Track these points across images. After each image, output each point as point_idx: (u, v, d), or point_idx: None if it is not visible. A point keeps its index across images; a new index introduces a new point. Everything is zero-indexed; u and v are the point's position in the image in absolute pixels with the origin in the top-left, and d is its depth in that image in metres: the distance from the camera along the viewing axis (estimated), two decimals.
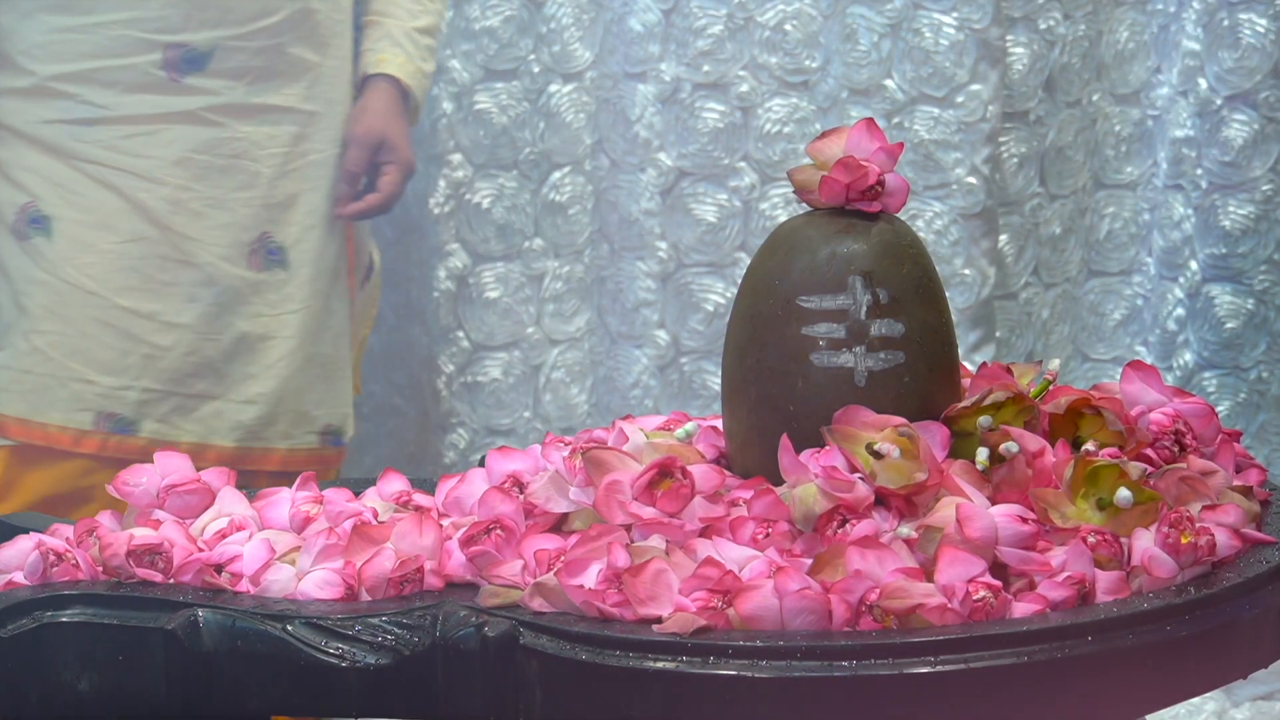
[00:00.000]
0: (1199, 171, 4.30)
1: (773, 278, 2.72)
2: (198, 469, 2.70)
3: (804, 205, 2.64)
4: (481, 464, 2.79)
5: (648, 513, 2.55)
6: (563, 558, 2.50)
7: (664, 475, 2.57)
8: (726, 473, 2.71)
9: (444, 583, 2.59)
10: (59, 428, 2.93)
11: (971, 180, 4.19)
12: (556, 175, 4.29)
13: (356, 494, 2.80)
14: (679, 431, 2.65)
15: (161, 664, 2.58)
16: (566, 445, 2.70)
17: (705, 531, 2.57)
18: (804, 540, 2.54)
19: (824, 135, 2.72)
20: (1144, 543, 2.56)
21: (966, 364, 4.14)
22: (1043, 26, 4.25)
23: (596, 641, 2.45)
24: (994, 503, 2.53)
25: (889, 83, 4.19)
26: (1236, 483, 2.77)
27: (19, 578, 2.67)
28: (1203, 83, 4.26)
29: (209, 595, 2.60)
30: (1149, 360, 4.41)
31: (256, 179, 3.28)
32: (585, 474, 2.61)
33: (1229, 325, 4.32)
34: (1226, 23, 4.21)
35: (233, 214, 3.30)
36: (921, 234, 3.96)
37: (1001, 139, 4.23)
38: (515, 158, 4.26)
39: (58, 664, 2.62)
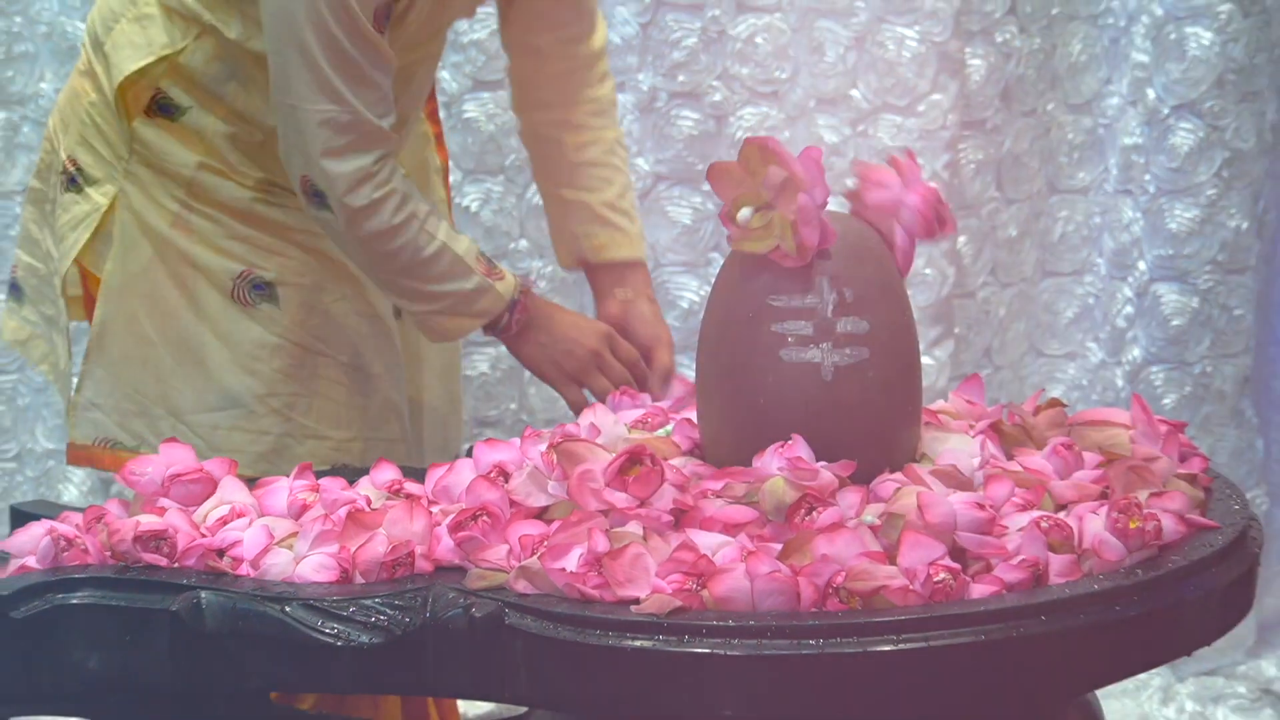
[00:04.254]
0: (1147, 177, 4.30)
1: (745, 279, 2.72)
2: None
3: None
4: (469, 455, 2.80)
5: (619, 498, 2.55)
6: (546, 543, 2.51)
7: (633, 462, 2.58)
8: (700, 461, 2.72)
9: (434, 566, 2.59)
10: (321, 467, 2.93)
11: (932, 184, 4.19)
12: None
13: (351, 482, 2.79)
14: (660, 430, 2.65)
15: (166, 644, 2.57)
16: (544, 439, 2.72)
17: (680, 519, 2.58)
18: (773, 527, 2.54)
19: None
20: (1094, 527, 2.57)
21: (928, 359, 4.15)
22: (999, 40, 4.25)
23: (578, 622, 2.45)
24: None
25: (854, 92, 4.20)
26: (1181, 471, 2.77)
27: (32, 562, 2.67)
28: (1151, 93, 4.26)
29: (211, 578, 2.60)
30: (1096, 357, 4.41)
31: None
32: (560, 466, 2.62)
33: (1175, 322, 4.32)
34: (1174, 36, 4.22)
35: None
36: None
37: (960, 146, 4.23)
38: (501, 163, 4.26)
39: (68, 644, 2.61)
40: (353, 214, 2.96)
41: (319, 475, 2.83)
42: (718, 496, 2.59)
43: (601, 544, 2.49)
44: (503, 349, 4.27)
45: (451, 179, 4.01)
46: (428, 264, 3.01)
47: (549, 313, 3.08)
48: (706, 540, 2.50)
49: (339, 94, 2.93)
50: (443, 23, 3.18)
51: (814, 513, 2.53)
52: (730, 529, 2.53)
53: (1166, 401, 4.30)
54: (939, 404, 2.92)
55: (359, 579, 2.58)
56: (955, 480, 2.62)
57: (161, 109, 3.11)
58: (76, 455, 3.25)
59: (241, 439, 3.15)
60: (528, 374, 4.28)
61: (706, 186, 4.26)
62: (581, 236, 3.37)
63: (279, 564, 2.61)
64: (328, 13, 2.89)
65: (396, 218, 2.98)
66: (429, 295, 3.04)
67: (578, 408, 3.01)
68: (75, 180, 3.18)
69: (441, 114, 3.87)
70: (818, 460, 2.60)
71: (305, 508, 2.72)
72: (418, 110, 3.37)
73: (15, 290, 3.32)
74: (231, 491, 2.77)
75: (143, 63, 3.08)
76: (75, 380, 3.21)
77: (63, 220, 3.20)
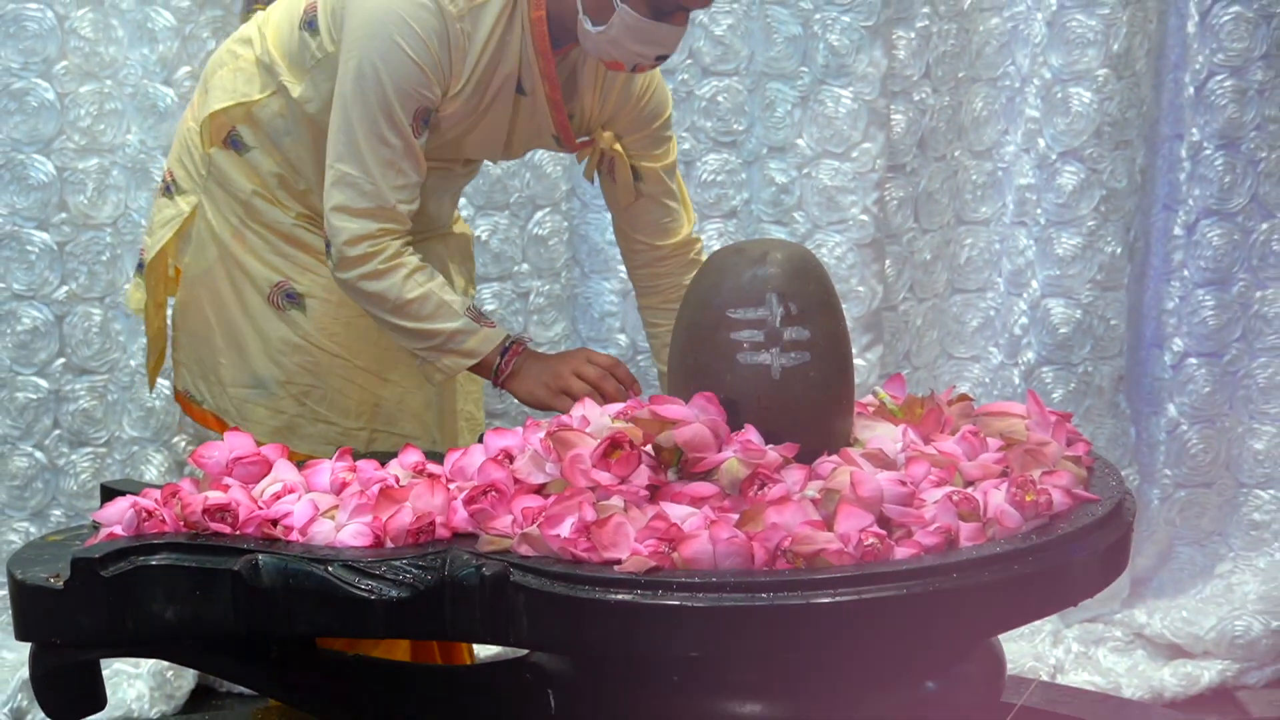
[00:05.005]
0: (1038, 211, 4.29)
1: (708, 295, 2.71)
2: None
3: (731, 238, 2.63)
4: (480, 441, 2.79)
5: (604, 477, 2.55)
6: (544, 514, 2.51)
7: (615, 447, 2.57)
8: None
9: (451, 533, 2.59)
10: (305, 457, 2.93)
11: (864, 218, 4.18)
12: (539, 214, 4.27)
13: (382, 464, 2.79)
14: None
15: (229, 597, 2.56)
16: (542, 428, 2.71)
17: (654, 494, 2.57)
18: (731, 500, 2.54)
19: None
20: (996, 500, 2.57)
21: (859, 361, 4.13)
22: (916, 98, 4.24)
23: (570, 579, 2.45)
24: None
25: (800, 141, 4.18)
26: (1068, 454, 2.77)
27: (118, 530, 2.66)
28: (1041, 142, 4.25)
29: (267, 544, 2.59)
30: (997, 359, 4.40)
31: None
32: (555, 451, 2.61)
33: (1062, 330, 4.31)
34: (1060, 95, 4.20)
35: None
36: (824, 259, 3.95)
37: (886, 185, 4.21)
38: (507, 200, 4.24)
39: (148, 598, 2.60)
40: (345, 260, 2.98)
41: (356, 459, 2.82)
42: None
43: (590, 514, 2.49)
44: None
45: (465, 214, 3.99)
46: (413, 304, 3.01)
47: (539, 357, 3.07)
48: (676, 511, 2.50)
49: (365, 165, 2.95)
50: (463, 152, 3.19)
51: (764, 488, 2.53)
52: (696, 502, 2.52)
53: (1055, 396, 4.29)
54: (868, 397, 2.91)
55: (389, 544, 2.57)
56: (882, 461, 2.62)
57: (233, 143, 3.17)
58: (178, 397, 3.35)
59: (263, 414, 3.20)
60: None
61: None
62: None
63: (323, 531, 2.61)
64: (375, 100, 2.93)
65: (383, 265, 2.99)
66: (420, 333, 3.03)
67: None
68: (170, 189, 3.26)
69: None
70: (767, 445, 2.59)
71: (345, 485, 2.71)
72: (448, 211, 3.39)
73: (141, 268, 3.36)
74: (284, 471, 2.77)
75: (226, 104, 3.15)
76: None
77: (156, 218, 3.27)
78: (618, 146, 3.23)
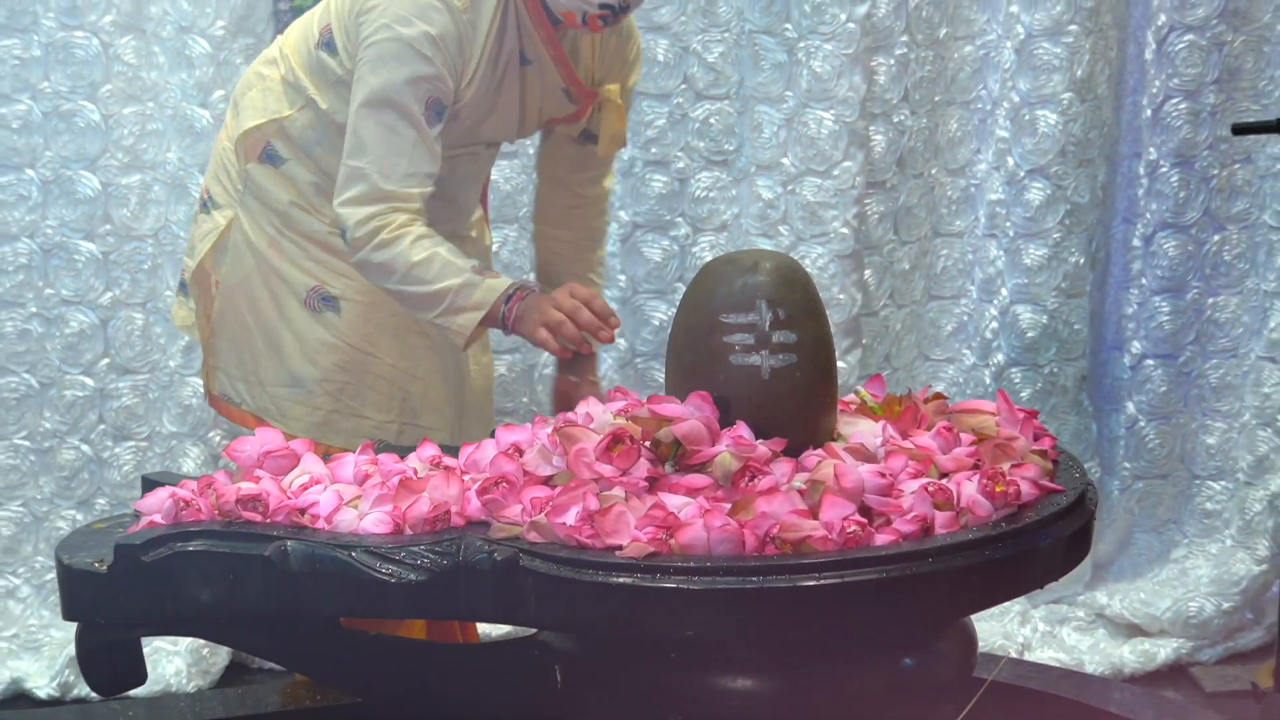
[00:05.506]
0: (1008, 224, 4.29)
1: (702, 301, 2.71)
2: None
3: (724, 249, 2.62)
4: (492, 435, 2.78)
5: (606, 469, 2.54)
6: (551, 503, 2.50)
7: (617, 442, 2.57)
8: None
9: (465, 521, 2.59)
10: (340, 449, 2.92)
11: (845, 231, 4.18)
12: None
13: (402, 457, 2.78)
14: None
15: (260, 580, 2.56)
16: (549, 424, 2.70)
17: (653, 485, 2.56)
18: (724, 490, 2.53)
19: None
20: (969, 490, 2.56)
21: (842, 363, 4.13)
22: (895, 120, 4.23)
23: (575, 563, 2.44)
24: None
25: (785, 160, 4.18)
26: (1035, 448, 2.77)
27: (158, 518, 2.66)
28: (1010, 160, 4.25)
29: (295, 531, 2.59)
30: (970, 361, 4.39)
31: None
32: (561, 445, 2.60)
33: (1029, 334, 4.31)
34: (1028, 117, 4.20)
35: None
36: (809, 269, 3.94)
37: (866, 201, 4.21)
38: (516, 214, 4.23)
39: (186, 581, 2.60)
40: (356, 241, 2.97)
41: (379, 451, 2.82)
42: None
43: (593, 504, 2.49)
44: (517, 356, 4.27)
45: None
46: (419, 266, 2.96)
47: (538, 297, 3.00)
48: (673, 501, 2.49)
49: (374, 156, 2.96)
50: (481, 135, 3.18)
51: (755, 479, 2.53)
52: (691, 492, 2.52)
53: (1023, 395, 4.28)
54: (850, 396, 2.91)
55: (408, 531, 2.57)
56: (863, 455, 2.62)
57: (268, 157, 3.16)
58: (213, 401, 3.33)
59: (301, 410, 3.19)
60: (535, 375, 4.27)
61: (672, 232, 4.26)
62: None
63: (347, 519, 2.61)
64: (387, 95, 2.94)
65: (389, 234, 2.96)
66: (431, 296, 2.98)
67: (551, 348, 2.95)
68: (207, 205, 3.25)
69: None
70: (757, 439, 2.59)
71: (367, 476, 2.71)
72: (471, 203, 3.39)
73: (184, 288, 3.37)
74: (310, 464, 2.77)
75: (260, 121, 3.15)
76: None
77: (195, 232, 3.27)
78: (618, 100, 3.24)
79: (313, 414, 3.19)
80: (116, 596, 2.60)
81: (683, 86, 4.22)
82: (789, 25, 4.14)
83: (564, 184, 3.40)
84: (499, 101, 3.09)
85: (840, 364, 3.98)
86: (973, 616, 2.86)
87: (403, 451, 2.85)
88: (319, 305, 3.16)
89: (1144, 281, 4.36)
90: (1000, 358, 4.34)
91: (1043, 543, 2.59)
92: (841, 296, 4.19)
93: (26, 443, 4.23)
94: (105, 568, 2.59)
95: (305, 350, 3.17)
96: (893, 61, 4.19)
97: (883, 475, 2.55)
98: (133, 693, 2.83)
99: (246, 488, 2.67)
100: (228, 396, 3.25)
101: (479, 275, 2.98)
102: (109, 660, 2.71)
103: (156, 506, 2.67)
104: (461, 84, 3.00)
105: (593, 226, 3.45)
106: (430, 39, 2.93)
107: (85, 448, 4.24)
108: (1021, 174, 4.24)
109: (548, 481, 2.62)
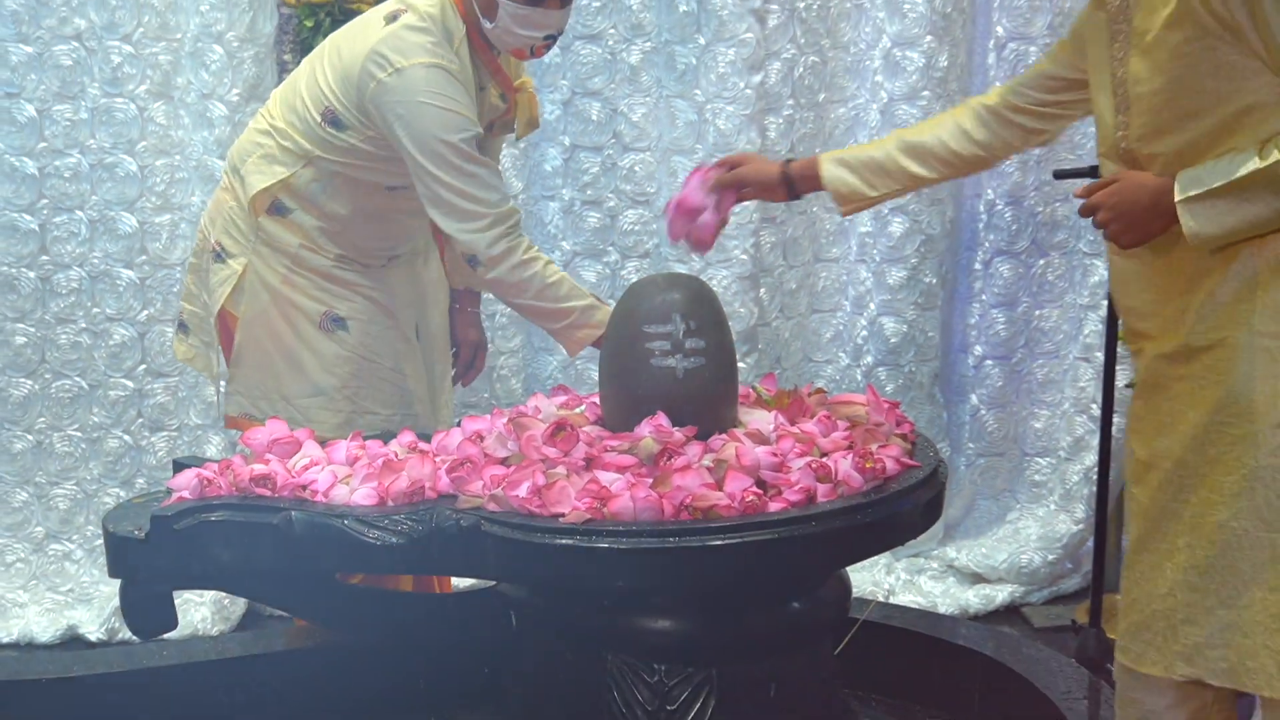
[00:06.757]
0: (875, 252, 4.30)
1: (628, 314, 2.71)
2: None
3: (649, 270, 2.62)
4: (458, 425, 2.77)
5: (551, 451, 2.54)
6: (506, 480, 2.50)
7: (560, 429, 2.57)
8: (602, 428, 2.70)
9: (437, 494, 2.58)
10: (367, 433, 2.92)
11: (744, 257, 4.19)
12: None
13: (385, 443, 2.77)
14: (577, 409, 2.61)
15: (270, 543, 2.55)
16: (505, 415, 2.70)
17: (589, 463, 2.56)
18: (647, 468, 2.53)
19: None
20: (844, 467, 2.56)
21: (742, 365, 4.12)
22: None
23: (526, 528, 2.44)
24: None
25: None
26: (897, 432, 2.77)
27: (186, 494, 2.64)
28: None
29: (298, 503, 2.58)
30: (844, 362, 4.40)
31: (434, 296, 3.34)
32: (514, 432, 2.60)
33: (892, 340, 4.32)
34: None
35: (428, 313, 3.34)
36: (715, 289, 3.94)
37: (760, 233, 4.22)
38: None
39: (209, 545, 2.58)
40: (491, 259, 2.96)
41: (366, 439, 2.81)
42: (612, 449, 2.57)
43: (541, 480, 2.48)
44: None
45: None
46: (553, 287, 2.99)
47: None
48: (606, 477, 2.50)
49: (467, 194, 2.95)
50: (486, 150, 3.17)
51: (672, 459, 2.53)
52: (620, 470, 2.52)
53: (888, 389, 4.30)
54: (748, 391, 2.91)
55: (390, 503, 2.56)
56: (759, 438, 2.62)
57: (277, 210, 3.11)
58: (230, 421, 3.26)
59: (324, 415, 3.14)
60: (494, 375, 4.26)
61: (604, 260, 4.25)
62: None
63: (340, 494, 2.60)
64: (446, 153, 2.93)
65: (526, 256, 2.97)
66: (558, 313, 3.01)
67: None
68: (220, 255, 3.17)
69: None
70: (673, 427, 2.59)
71: (356, 459, 2.71)
72: None
73: (183, 327, 3.31)
74: (311, 449, 2.76)
75: (267, 184, 3.09)
76: (223, 380, 3.25)
77: (213, 280, 3.19)
78: (530, 91, 3.24)
79: (335, 416, 3.14)
80: (152, 558, 2.58)
81: (612, 140, 4.22)
82: (698, 91, 4.14)
83: None
84: (481, 123, 3.10)
85: (740, 365, 3.98)
86: (848, 568, 2.87)
87: (385, 438, 2.85)
88: (330, 326, 3.13)
89: (984, 298, 4.38)
90: (869, 359, 4.35)
91: (904, 508, 2.60)
92: (741, 310, 4.19)
93: (79, 434, 4.19)
94: (143, 534, 2.57)
95: (324, 364, 3.13)
96: (781, 120, 4.20)
97: (775, 455, 2.56)
98: (166, 635, 2.80)
99: (258, 468, 2.65)
100: (248, 414, 3.18)
101: (597, 300, 3.04)
102: (146, 609, 2.69)
103: (185, 484, 2.66)
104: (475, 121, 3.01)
105: None
106: (454, 100, 2.93)
107: (126, 437, 4.20)
108: (885, 211, 4.25)
109: (504, 462, 2.61)
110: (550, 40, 3.01)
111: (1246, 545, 2.23)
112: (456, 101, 2.92)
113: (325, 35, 3.63)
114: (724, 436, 2.62)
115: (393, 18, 2.97)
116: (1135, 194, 2.28)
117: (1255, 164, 2.16)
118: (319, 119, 3.02)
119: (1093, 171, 3.15)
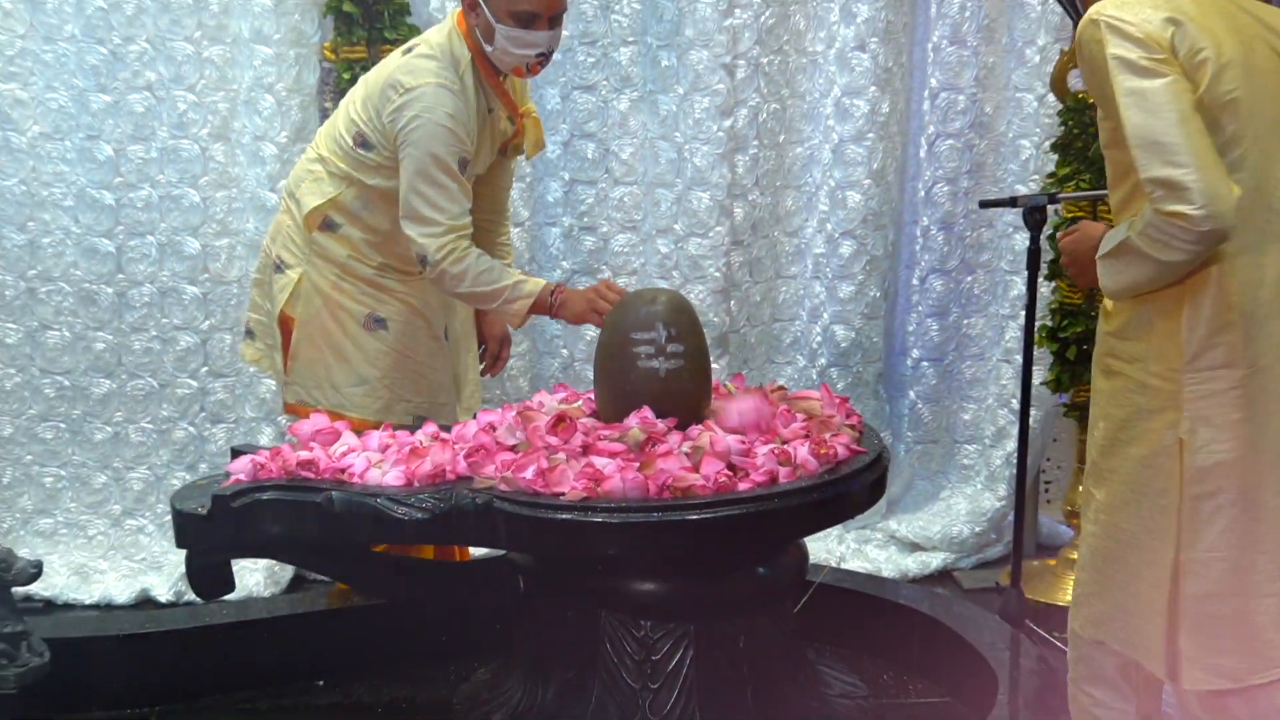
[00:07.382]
0: (827, 270, 4.29)
1: (618, 323, 2.71)
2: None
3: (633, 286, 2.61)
4: (474, 418, 2.76)
5: (553, 440, 2.53)
6: (515, 464, 2.49)
7: (560, 421, 2.56)
8: (597, 420, 2.69)
9: (456, 477, 2.58)
10: (371, 426, 2.90)
11: (717, 275, 4.18)
12: None
13: (412, 432, 2.76)
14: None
15: (315, 519, 2.55)
16: (514, 409, 2.69)
17: (586, 450, 2.55)
18: (635, 454, 2.53)
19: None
20: (802, 452, 2.56)
21: (715, 365, 4.11)
22: (750, 199, 4.22)
23: (532, 505, 2.44)
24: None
25: (675, 226, 4.17)
26: (847, 423, 2.77)
27: (242, 476, 2.63)
28: (829, 226, 4.25)
29: (338, 485, 2.57)
30: (802, 363, 4.40)
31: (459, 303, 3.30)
32: (522, 423, 2.59)
33: (843, 345, 4.32)
34: (841, 196, 4.20)
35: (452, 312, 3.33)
36: (692, 301, 3.95)
37: (730, 254, 4.21)
38: (519, 219, 4.18)
39: (262, 520, 2.58)
40: (435, 262, 2.94)
41: (396, 429, 2.80)
42: (605, 438, 2.57)
43: (544, 464, 2.48)
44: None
45: None
46: (485, 273, 2.97)
47: (575, 291, 3.00)
48: (599, 461, 2.50)
49: (432, 203, 2.93)
50: (475, 171, 3.15)
51: (655, 446, 2.53)
52: (612, 455, 2.52)
53: (839, 386, 4.29)
54: (721, 388, 2.91)
55: (416, 484, 2.56)
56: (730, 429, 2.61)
57: (328, 225, 3.12)
58: (289, 408, 3.26)
59: (368, 401, 3.15)
60: (505, 375, 4.25)
61: (599, 275, 4.24)
62: None
63: (374, 476, 2.60)
64: (431, 160, 2.91)
65: (461, 253, 2.95)
66: (494, 293, 2.99)
67: (595, 321, 2.96)
68: (280, 267, 3.19)
69: None
70: (657, 419, 2.59)
71: (388, 446, 2.70)
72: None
73: (250, 334, 3.32)
74: (348, 438, 2.75)
75: (318, 203, 3.11)
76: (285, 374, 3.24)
77: (274, 289, 3.20)
78: (535, 115, 3.23)
79: (376, 401, 3.15)
80: (213, 531, 2.58)
81: (605, 175, 4.21)
82: (678, 133, 4.14)
83: (504, 188, 3.40)
84: (482, 145, 3.10)
85: (714, 366, 3.98)
86: (805, 539, 2.87)
87: (412, 428, 2.84)
88: (373, 325, 3.14)
89: (920, 309, 4.38)
90: (823, 361, 4.35)
91: (853, 488, 2.61)
92: (715, 319, 4.19)
93: (150, 426, 4.19)
94: (205, 511, 2.57)
95: (367, 358, 3.14)
96: (748, 158, 4.19)
97: (743, 442, 2.56)
98: (226, 597, 2.80)
99: (303, 455, 2.65)
100: (303, 401, 3.18)
101: (525, 277, 3.01)
102: (208, 575, 2.69)
103: (241, 468, 2.65)
104: (470, 142, 3.00)
105: (507, 215, 3.46)
106: (451, 116, 2.92)
107: (191, 429, 4.19)
108: (837, 235, 4.25)
109: (513, 449, 2.61)
110: (543, 58, 3.02)
111: (1134, 546, 2.23)
112: (454, 119, 2.93)
113: None
114: (700, 427, 2.62)
115: (408, 49, 3.03)
116: (1082, 244, 2.31)
117: (1124, 234, 2.14)
118: (351, 143, 3.04)
119: (1013, 203, 3.15)
